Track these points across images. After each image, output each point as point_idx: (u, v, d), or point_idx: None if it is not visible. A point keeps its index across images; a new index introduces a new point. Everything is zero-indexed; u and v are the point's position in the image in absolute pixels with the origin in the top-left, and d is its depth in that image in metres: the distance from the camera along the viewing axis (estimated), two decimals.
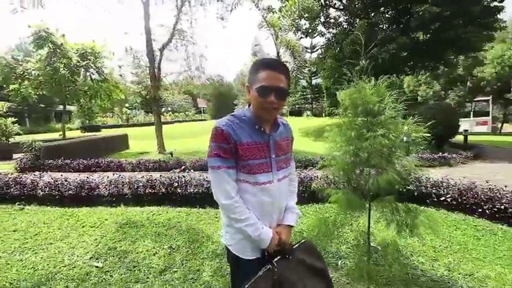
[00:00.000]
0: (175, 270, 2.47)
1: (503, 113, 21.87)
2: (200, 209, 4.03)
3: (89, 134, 16.77)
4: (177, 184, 4.27)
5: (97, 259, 2.62)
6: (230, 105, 50.13)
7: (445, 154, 7.15)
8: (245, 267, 1.23)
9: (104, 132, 17.46)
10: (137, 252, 2.75)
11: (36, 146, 6.29)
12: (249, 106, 1.27)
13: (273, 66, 1.15)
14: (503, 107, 21.90)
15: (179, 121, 32.22)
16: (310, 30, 17.86)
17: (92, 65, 9.15)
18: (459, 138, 9.91)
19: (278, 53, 14.46)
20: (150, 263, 2.57)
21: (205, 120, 41.29)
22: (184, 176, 4.48)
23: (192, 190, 4.26)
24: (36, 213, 3.83)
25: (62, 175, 4.81)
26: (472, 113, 22.19)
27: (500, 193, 3.69)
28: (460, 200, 3.85)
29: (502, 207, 3.51)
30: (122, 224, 3.43)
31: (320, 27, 17.33)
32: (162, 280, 2.32)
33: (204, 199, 4.17)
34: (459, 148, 8.78)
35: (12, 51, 9.35)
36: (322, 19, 16.26)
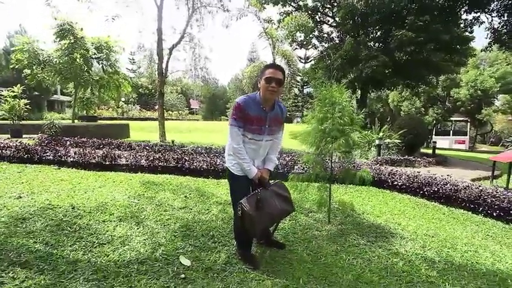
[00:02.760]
0: (191, 208, 3.42)
1: (476, 132, 23.78)
2: (204, 178, 4.98)
3: (88, 123, 17.33)
4: (186, 158, 5.22)
5: (133, 198, 3.54)
6: (223, 108, 51.23)
7: (410, 157, 8.37)
8: (237, 178, 2.13)
9: (102, 122, 18.03)
10: (160, 198, 3.68)
11: (55, 124, 7.07)
12: (258, 93, 2.08)
13: (274, 67, 2.06)
14: (475, 127, 23.81)
15: (172, 119, 32.80)
16: (304, 43, 19.21)
17: (105, 57, 10.01)
18: (430, 150, 11.24)
19: (274, 61, 15.61)
20: (172, 204, 3.50)
21: (197, 120, 41.95)
22: (192, 153, 5.42)
23: (196, 164, 5.20)
24: (71, 172, 4.68)
25: (82, 149, 5.65)
26: (451, 131, 24.03)
27: (436, 180, 4.83)
28: (407, 184, 4.97)
29: (436, 189, 4.64)
30: (144, 182, 4.34)
31: (314, 40, 18.69)
32: (183, 212, 3.27)
33: (207, 171, 5.12)
34: (424, 156, 10.05)
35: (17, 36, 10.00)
36: (316, 33, 17.60)
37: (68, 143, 6.09)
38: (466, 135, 23.63)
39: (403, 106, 24.72)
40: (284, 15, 15.67)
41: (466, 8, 12.24)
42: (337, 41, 16.73)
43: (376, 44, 12.37)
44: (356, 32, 13.87)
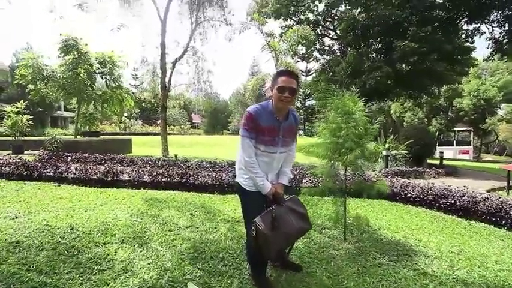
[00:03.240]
0: (198, 227, 3.21)
1: (480, 142, 23.51)
2: (209, 194, 4.78)
3: (91, 138, 17.29)
4: (190, 173, 5.04)
5: (136, 216, 3.34)
6: (224, 122, 51.44)
7: (420, 168, 8.14)
8: (249, 194, 1.94)
9: (104, 137, 18.00)
10: (165, 216, 3.48)
11: (57, 140, 6.97)
12: (271, 101, 1.91)
13: (287, 74, 1.86)
14: (479, 137, 23.58)
15: (174, 134, 32.88)
16: (306, 55, 19.42)
17: (108, 72, 10.06)
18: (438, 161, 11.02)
19: None
20: (177, 222, 3.30)
21: (199, 134, 41.99)
22: (197, 169, 5.25)
23: (201, 179, 5.02)
24: (71, 189, 4.51)
25: (83, 165, 5.50)
26: (455, 141, 23.78)
27: (452, 191, 4.60)
28: (422, 196, 4.74)
29: (453, 201, 4.41)
30: (147, 199, 4.15)
31: (315, 53, 18.91)
32: (188, 231, 3.06)
33: (212, 186, 4.93)
34: (433, 167, 9.81)
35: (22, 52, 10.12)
36: (318, 46, 17.81)
37: (69, 158, 5.96)
38: (470, 145, 23.36)
39: (406, 117, 24.66)
40: (286, 28, 15.89)
41: (467, 19, 12.36)
42: (339, 54, 16.88)
43: (379, 56, 12.39)
44: (357, 44, 13.99)
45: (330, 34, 17.64)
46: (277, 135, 1.90)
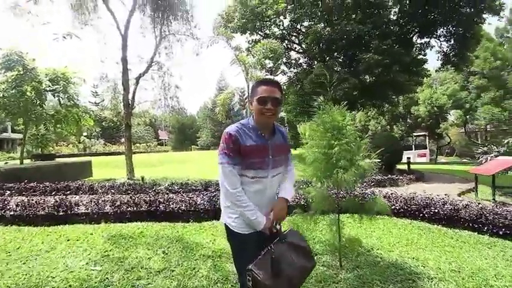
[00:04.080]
0: (173, 269, 2.69)
1: (437, 145, 25.51)
2: (183, 223, 4.23)
3: (43, 162, 15.45)
4: (160, 200, 4.45)
5: (94, 264, 2.72)
6: (193, 138, 50.10)
7: (394, 176, 8.31)
8: (241, 238, 1.54)
9: (59, 161, 16.23)
10: (132, 258, 2.90)
11: None
12: (251, 117, 1.59)
13: (269, 82, 1.54)
14: (435, 141, 25.61)
15: (140, 152, 31.04)
16: (273, 69, 19.69)
17: (61, 89, 9.02)
18: (405, 166, 11.48)
19: (248, 87, 15.63)
20: (147, 264, 2.75)
21: (166, 151, 40.26)
22: (167, 193, 4.67)
23: (174, 206, 4.46)
24: (9, 232, 3.67)
25: (29, 198, 4.63)
26: (413, 146, 25.53)
27: (434, 200, 4.59)
28: (405, 207, 4.66)
29: (436, 210, 4.38)
30: (109, 236, 3.50)
31: (283, 67, 19.26)
32: (161, 276, 2.53)
33: (186, 213, 4.39)
34: (404, 173, 10.15)
35: None
36: (284, 60, 18.16)
37: (8, 192, 4.94)
38: (426, 148, 25.32)
39: (370, 125, 26.04)
40: (253, 43, 15.99)
41: (418, 33, 13.44)
42: (305, 67, 17.34)
43: (344, 68, 12.87)
44: (323, 57, 14.45)
45: (296, 48, 18.12)
46: (266, 156, 1.55)
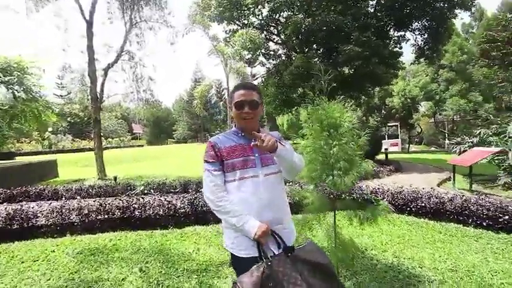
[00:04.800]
0: None
1: (408, 135, 26.72)
2: (163, 230, 3.85)
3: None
4: (135, 206, 4.01)
5: None
6: (169, 131, 48.39)
7: (375, 168, 8.39)
8: (242, 265, 1.29)
9: (20, 160, 14.80)
10: (102, 280, 2.50)
11: None
12: (234, 125, 1.52)
13: (245, 87, 1.48)
14: (407, 131, 26.80)
15: (113, 147, 29.34)
16: (252, 60, 19.23)
17: (16, 81, 7.97)
18: (381, 156, 11.75)
19: (227, 78, 15.09)
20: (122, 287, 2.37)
21: (141, 146, 38.57)
22: (142, 198, 4.24)
23: (151, 212, 4.04)
24: None
25: None
26: (386, 136, 26.54)
27: (420, 193, 4.58)
28: (393, 202, 4.62)
29: (423, 204, 4.36)
30: (74, 254, 3.04)
31: (261, 58, 18.86)
32: None
33: (166, 220, 4.01)
34: (382, 164, 10.35)
35: None
36: (263, 51, 17.76)
37: None
38: (398, 137, 26.49)
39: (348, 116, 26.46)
40: (230, 32, 15.42)
41: (394, 27, 13.64)
42: (284, 58, 17.08)
43: (324, 60, 12.77)
44: (302, 48, 14.25)
45: (274, 39, 17.75)
46: (251, 154, 1.41)
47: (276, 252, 1.29)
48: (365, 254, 3.10)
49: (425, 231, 3.81)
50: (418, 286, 2.41)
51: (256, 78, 34.87)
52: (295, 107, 17.00)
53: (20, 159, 15.61)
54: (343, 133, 2.40)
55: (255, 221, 1.30)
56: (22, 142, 24.07)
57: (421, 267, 2.76)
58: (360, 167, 2.35)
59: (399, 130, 27.15)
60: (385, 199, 4.68)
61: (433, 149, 27.07)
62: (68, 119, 28.25)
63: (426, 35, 13.99)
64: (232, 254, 1.37)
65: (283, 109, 17.73)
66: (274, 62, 18.29)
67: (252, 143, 1.32)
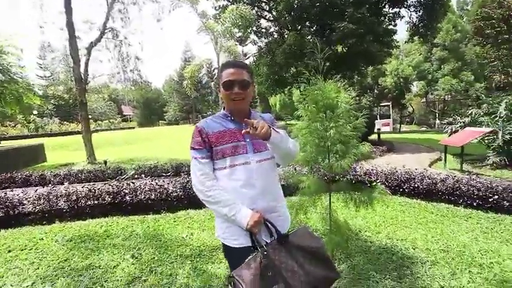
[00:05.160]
0: (145, 278, 2.29)
1: (400, 115, 26.89)
2: (155, 215, 3.78)
3: None
4: (126, 191, 3.91)
5: (42, 284, 2.22)
6: (160, 112, 47.42)
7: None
8: (234, 255, 1.25)
9: (5, 144, 14.31)
10: (93, 268, 2.43)
11: None
12: (223, 108, 1.41)
13: (234, 65, 1.35)
14: (399, 110, 26.94)
15: (102, 130, 28.69)
16: (243, 38, 18.57)
17: None
18: (373, 136, 11.80)
19: (218, 57, 14.56)
20: (113, 275, 2.32)
21: (133, 128, 37.88)
22: (133, 182, 4.13)
23: (142, 197, 3.96)
24: None
25: None
26: (378, 115, 26.68)
27: (413, 174, 4.61)
28: (386, 183, 4.64)
29: (416, 185, 4.40)
30: (64, 241, 2.96)
31: (252, 36, 18.20)
32: None
33: (158, 204, 3.93)
34: (375, 144, 10.40)
35: None
36: (255, 28, 17.11)
37: None
38: (390, 118, 26.70)
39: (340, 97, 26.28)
40: (220, 9, 14.71)
41: (389, 3, 13.21)
42: (277, 36, 16.52)
43: (317, 38, 12.37)
44: (294, 26, 13.75)
45: (266, 16, 17.06)
46: (242, 139, 1.31)
47: (268, 241, 1.24)
48: (359, 236, 3.12)
49: (418, 212, 3.85)
50: (411, 268, 2.44)
51: (248, 58, 33.93)
52: (288, 87, 16.73)
53: (5, 144, 15.12)
54: (339, 114, 2.30)
55: (247, 210, 1.24)
56: (7, 126, 23.21)
57: (414, 249, 2.79)
58: (357, 150, 2.26)
59: (391, 110, 27.33)
60: (378, 180, 4.70)
61: (423, 129, 27.45)
62: (53, 101, 27.16)
63: (421, 12, 13.64)
64: (224, 244, 1.31)
65: (276, 89, 17.42)
66: (266, 40, 17.69)
67: (244, 130, 1.21)
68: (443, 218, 3.65)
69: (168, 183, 4.26)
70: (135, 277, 2.30)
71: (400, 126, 25.38)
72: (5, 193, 3.73)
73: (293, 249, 1.22)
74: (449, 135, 7.72)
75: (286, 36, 14.49)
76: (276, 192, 1.40)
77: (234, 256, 1.25)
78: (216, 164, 1.30)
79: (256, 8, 16.32)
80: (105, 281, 2.23)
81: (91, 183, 4.41)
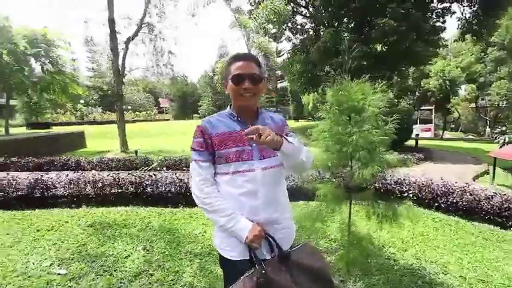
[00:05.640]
0: (152, 273, 2.30)
1: (444, 120, 24.70)
2: (173, 208, 3.83)
3: (37, 131, 15.01)
4: (147, 183, 4.01)
5: (59, 265, 2.32)
6: (194, 106, 48.99)
7: (402, 155, 7.82)
8: (230, 268, 1.17)
9: (55, 130, 15.77)
10: (106, 256, 2.50)
11: None
12: (229, 105, 1.29)
13: (243, 57, 1.23)
14: (443, 115, 24.75)
15: (140, 120, 30.49)
16: (277, 35, 18.30)
17: (43, 53, 8.18)
18: (410, 142, 10.94)
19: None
20: (123, 266, 2.36)
21: (167, 120, 39.68)
22: (155, 174, 4.23)
23: (163, 189, 4.04)
24: None
25: (8, 174, 4.21)
26: (418, 120, 24.80)
27: (452, 188, 4.13)
28: (419, 195, 4.22)
29: (454, 200, 3.93)
30: (85, 226, 3.10)
31: (287, 32, 17.88)
32: (138, 284, 2.14)
33: (177, 198, 3.98)
34: (411, 151, 9.61)
35: None
36: (290, 25, 16.78)
37: None
38: (431, 123, 24.65)
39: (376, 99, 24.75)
40: (255, 4, 14.61)
41: None
42: (312, 33, 16.05)
43: (354, 35, 11.73)
44: (331, 22, 13.19)
45: (302, 12, 16.64)
46: (248, 143, 1.18)
47: (268, 257, 1.12)
48: (382, 252, 2.85)
49: (454, 232, 3.43)
50: None
51: (282, 55, 33.56)
52: (322, 86, 16.20)
53: (56, 129, 16.66)
54: (366, 118, 2.08)
55: (247, 222, 1.12)
56: (58, 113, 25.62)
57: (444, 274, 2.46)
58: (383, 159, 2.02)
59: (433, 115, 25.26)
60: (410, 191, 4.29)
61: (470, 137, 24.98)
62: (99, 92, 29.45)
63: (476, 7, 12.25)
64: (220, 255, 1.21)
65: (309, 88, 16.94)
66: (301, 37, 17.28)
67: (246, 132, 1.05)
68: (485, 242, 3.20)
69: (189, 178, 4.30)
70: (143, 270, 2.32)
71: (443, 133, 23.35)
72: (42, 175, 4.03)
73: (294, 268, 1.10)
74: (501, 146, 6.86)
75: (322, 33, 14.00)
76: (281, 203, 1.25)
77: (230, 269, 1.18)
78: (217, 168, 1.19)
79: (292, 3, 15.98)
80: (114, 271, 2.28)
81: (115, 172, 4.60)
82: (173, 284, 2.15)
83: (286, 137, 1.15)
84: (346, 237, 2.40)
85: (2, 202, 3.68)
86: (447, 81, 20.53)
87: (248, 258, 1.11)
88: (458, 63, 21.35)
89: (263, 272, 1.03)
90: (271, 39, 18.17)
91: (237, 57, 1.24)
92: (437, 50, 13.78)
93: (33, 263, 2.34)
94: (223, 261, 1.21)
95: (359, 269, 2.46)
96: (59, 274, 2.20)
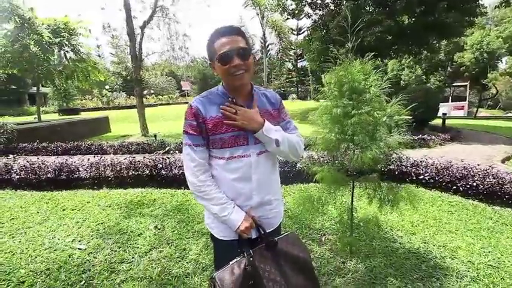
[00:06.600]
0: (161, 249, 2.47)
1: (479, 98, 22.81)
2: (185, 190, 4.00)
3: (67, 117, 16.04)
4: (161, 166, 4.20)
5: (79, 241, 2.57)
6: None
7: (425, 136, 7.43)
8: (221, 247, 1.22)
9: (83, 115, 16.72)
10: (121, 233, 2.72)
11: (8, 129, 5.92)
12: (221, 84, 1.22)
13: (226, 32, 1.10)
14: (479, 92, 22.81)
15: (162, 104, 31.31)
16: (296, 11, 17.48)
17: (66, 42, 8.55)
18: (437, 121, 10.29)
19: (264, 33, 14.11)
20: (136, 243, 2.55)
21: (187, 103, 40.35)
22: (168, 158, 4.40)
23: (176, 171, 4.21)
24: (11, 198, 3.66)
25: (38, 158, 4.60)
26: (450, 97, 23.10)
27: (473, 171, 3.90)
28: (436, 178, 4.04)
29: (474, 184, 3.72)
30: (104, 206, 3.36)
31: (307, 8, 17.00)
32: (148, 259, 2.32)
33: None
34: (437, 131, 9.09)
35: None
36: (309, 0, 15.91)
37: (16, 154, 4.99)
38: (465, 100, 22.83)
39: (403, 75, 23.36)
40: None
41: None
42: (333, 8, 15.14)
43: (378, 8, 10.91)
44: None
45: None
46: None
47: (255, 236, 1.18)
48: (388, 235, 2.81)
49: (471, 216, 3.28)
50: (442, 280, 2.10)
51: (303, 32, 32.20)
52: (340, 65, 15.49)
53: (84, 115, 17.62)
54: (367, 100, 1.99)
55: (239, 212, 1.14)
56: (86, 99, 27.00)
57: (452, 258, 2.39)
58: (384, 143, 1.95)
59: (468, 91, 23.38)
60: (427, 174, 4.11)
61: (510, 114, 22.96)
62: (120, 78, 30.41)
63: None
64: (211, 233, 1.26)
65: (330, 66, 16.27)
66: (320, 12, 16.39)
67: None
68: (504, 227, 3.03)
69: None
70: (153, 246, 2.50)
71: (477, 111, 21.63)
72: (66, 159, 4.36)
73: (281, 257, 1.15)
74: None
75: (342, 7, 13.17)
76: (273, 186, 1.27)
77: (220, 247, 1.23)
78: (212, 152, 1.17)
79: None
80: (127, 247, 2.47)
81: (132, 155, 4.85)
82: (180, 260, 2.31)
83: (272, 128, 1.16)
84: (348, 219, 2.40)
85: (35, 183, 4.06)
86: (485, 54, 18.66)
87: (237, 238, 1.16)
88: (500, 33, 19.18)
89: (250, 259, 1.07)
90: (289, 17, 17.42)
91: (219, 33, 1.11)
92: (474, 19, 12.47)
93: (58, 239, 2.60)
94: (214, 240, 1.26)
95: (361, 251, 2.47)
96: (79, 249, 2.43)
